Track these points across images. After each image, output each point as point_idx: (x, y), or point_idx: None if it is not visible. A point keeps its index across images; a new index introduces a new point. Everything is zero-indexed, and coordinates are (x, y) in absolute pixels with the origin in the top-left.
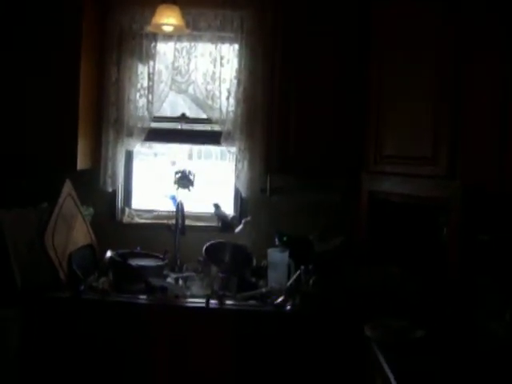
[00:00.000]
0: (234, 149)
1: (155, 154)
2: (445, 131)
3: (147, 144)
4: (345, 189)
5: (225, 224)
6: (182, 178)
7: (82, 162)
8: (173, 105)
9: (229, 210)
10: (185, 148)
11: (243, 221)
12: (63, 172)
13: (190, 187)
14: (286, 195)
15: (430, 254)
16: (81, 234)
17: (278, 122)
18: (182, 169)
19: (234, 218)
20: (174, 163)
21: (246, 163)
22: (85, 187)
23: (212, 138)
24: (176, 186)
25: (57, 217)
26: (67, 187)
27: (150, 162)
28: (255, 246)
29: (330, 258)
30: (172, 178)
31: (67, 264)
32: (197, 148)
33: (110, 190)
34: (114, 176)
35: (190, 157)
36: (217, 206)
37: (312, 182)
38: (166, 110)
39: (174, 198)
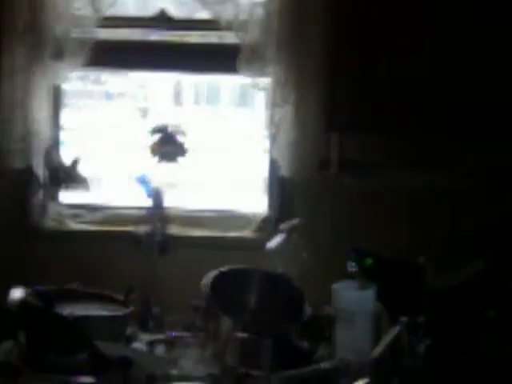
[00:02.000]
0: (264, 81)
1: (108, 95)
2: None
3: (91, 74)
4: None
5: None
6: (165, 140)
7: None
8: None
9: (257, 204)
10: (167, 82)
11: (284, 226)
12: None
13: (180, 158)
14: (371, 175)
15: None
16: None
17: (355, 26)
18: (162, 123)
19: (266, 220)
20: (145, 113)
21: (289, 111)
22: None
23: (221, 59)
24: (153, 156)
25: None
26: None
27: (97, 111)
28: (309, 276)
29: (460, 302)
30: (144, 141)
31: None
32: (191, 81)
33: (21, 166)
34: (27, 138)
35: (178, 100)
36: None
37: (425, 150)
38: (129, 5)
39: (144, 182)
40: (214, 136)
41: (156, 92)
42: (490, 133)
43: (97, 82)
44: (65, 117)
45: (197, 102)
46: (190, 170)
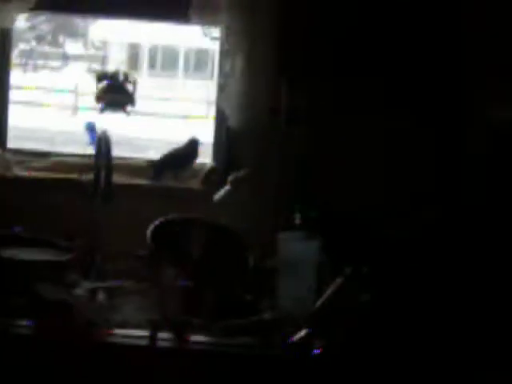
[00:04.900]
0: (216, 31)
1: (65, 57)
2: None
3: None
4: None
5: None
6: (112, 88)
7: None
8: None
9: (204, 154)
10: (123, 46)
11: (231, 178)
12: None
13: (129, 106)
14: (321, 124)
15: None
16: None
17: None
18: (109, 71)
19: (213, 171)
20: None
21: (240, 57)
22: None
23: (173, 7)
24: (100, 104)
25: None
26: None
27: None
28: (254, 228)
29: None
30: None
31: None
32: (147, 46)
33: None
34: None
35: (134, 65)
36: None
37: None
38: None
39: (92, 130)
40: (165, 88)
41: (112, 56)
42: None
43: (54, 43)
44: (18, 75)
45: (153, 66)
46: (141, 128)
